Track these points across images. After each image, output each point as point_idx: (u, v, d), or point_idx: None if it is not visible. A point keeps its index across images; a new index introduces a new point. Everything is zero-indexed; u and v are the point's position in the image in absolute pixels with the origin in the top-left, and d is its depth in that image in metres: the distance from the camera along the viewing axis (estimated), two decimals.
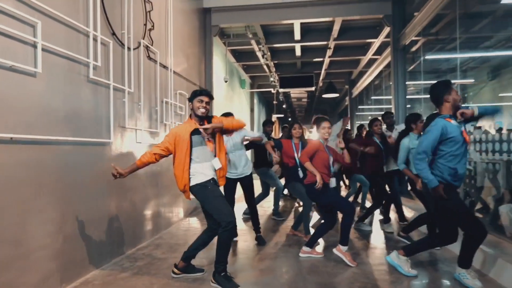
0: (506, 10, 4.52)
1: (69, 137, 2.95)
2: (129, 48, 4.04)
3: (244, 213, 5.77)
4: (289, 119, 23.53)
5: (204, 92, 3.06)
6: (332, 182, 3.56)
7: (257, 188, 4.87)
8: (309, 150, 3.56)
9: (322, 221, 3.75)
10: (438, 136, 2.70)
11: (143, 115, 4.35)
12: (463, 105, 2.99)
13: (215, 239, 2.92)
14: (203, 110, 3.01)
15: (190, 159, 2.96)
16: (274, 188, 5.80)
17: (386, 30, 7.09)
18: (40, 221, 2.65)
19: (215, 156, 3.08)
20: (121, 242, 3.77)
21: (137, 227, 4.14)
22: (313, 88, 11.12)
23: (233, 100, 10.81)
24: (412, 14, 6.17)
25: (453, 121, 2.73)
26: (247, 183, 4.25)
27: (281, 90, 11.88)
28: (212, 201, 2.89)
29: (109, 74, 3.61)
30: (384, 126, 5.24)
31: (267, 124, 5.81)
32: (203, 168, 2.98)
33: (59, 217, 2.85)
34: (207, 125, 2.96)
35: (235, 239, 4.31)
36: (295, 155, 4.35)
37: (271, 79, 11.15)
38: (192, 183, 2.96)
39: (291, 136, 4.51)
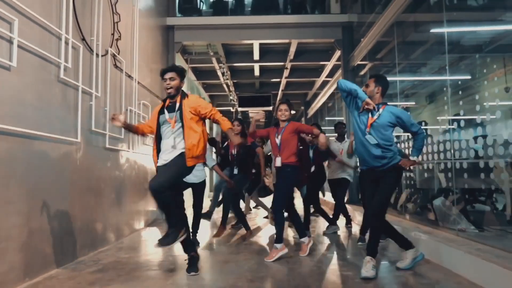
0: (436, 38, 5.24)
1: (38, 132, 3.02)
2: (97, 55, 4.19)
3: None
4: None
5: (166, 69, 3.02)
6: (277, 161, 3.69)
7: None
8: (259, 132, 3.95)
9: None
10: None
11: (108, 120, 4.45)
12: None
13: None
14: (170, 89, 2.97)
15: (158, 137, 3.01)
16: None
17: (337, 53, 7.77)
18: (8, 212, 2.67)
19: (182, 135, 2.93)
20: (84, 243, 3.77)
21: (99, 230, 4.14)
22: (271, 108, 11.61)
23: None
24: (359, 39, 6.88)
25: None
26: (199, 189, 4.28)
27: (240, 109, 12.27)
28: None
29: (78, 76, 3.73)
30: (333, 138, 5.68)
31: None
32: (163, 150, 2.99)
33: (26, 210, 2.88)
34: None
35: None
36: (233, 151, 4.74)
37: (231, 97, 11.52)
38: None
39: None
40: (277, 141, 3.71)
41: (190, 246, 3.12)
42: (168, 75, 2.97)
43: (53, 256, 3.20)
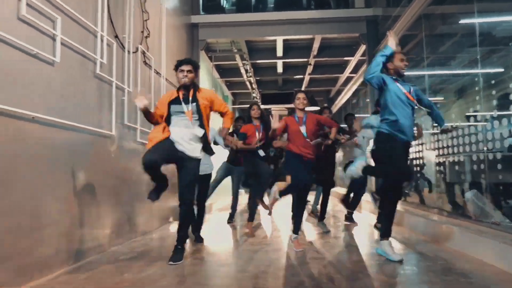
0: (466, 30, 5.12)
1: (78, 124, 3.17)
2: (129, 51, 4.33)
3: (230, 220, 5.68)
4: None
5: (184, 61, 3.14)
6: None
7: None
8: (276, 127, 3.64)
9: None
10: (380, 79, 3.12)
11: (139, 115, 4.59)
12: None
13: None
14: (185, 79, 3.09)
15: (168, 121, 3.10)
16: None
17: (362, 48, 7.70)
18: (54, 198, 2.83)
19: (198, 125, 3.11)
20: (119, 232, 3.91)
21: (132, 220, 4.29)
22: (293, 106, 11.62)
23: (216, 115, 11.14)
24: (384, 33, 6.78)
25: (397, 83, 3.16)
26: (204, 182, 4.24)
27: (262, 106, 12.33)
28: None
29: (112, 72, 3.88)
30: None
31: (238, 120, 5.82)
32: (180, 136, 3.04)
33: (69, 197, 3.04)
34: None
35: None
36: (257, 135, 4.50)
37: (253, 95, 11.59)
38: None
39: (250, 118, 4.64)
40: (303, 130, 3.64)
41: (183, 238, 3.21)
42: (186, 67, 3.12)
43: (91, 242, 3.35)
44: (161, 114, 3.18)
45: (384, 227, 3.23)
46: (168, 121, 3.12)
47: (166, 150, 2.98)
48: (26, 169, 2.56)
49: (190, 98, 3.11)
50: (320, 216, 4.72)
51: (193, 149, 3.09)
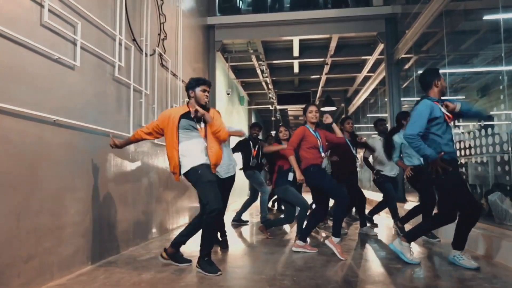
0: (489, 26, 4.96)
1: (97, 126, 3.23)
2: (146, 54, 4.39)
3: (234, 220, 5.71)
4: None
5: (208, 82, 3.09)
6: (324, 163, 3.68)
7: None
8: (292, 141, 3.65)
9: (312, 212, 3.88)
10: (428, 114, 2.92)
11: (156, 117, 4.65)
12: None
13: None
14: (206, 99, 3.05)
15: (178, 140, 2.96)
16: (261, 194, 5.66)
17: (380, 47, 7.56)
18: (74, 199, 2.90)
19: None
20: (136, 233, 3.97)
21: (149, 222, 4.35)
22: None
23: (232, 115, 11.16)
24: (403, 31, 6.65)
25: (439, 104, 3.01)
26: (228, 185, 4.09)
27: (279, 106, 12.29)
28: (201, 184, 2.88)
29: (130, 75, 3.94)
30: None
31: (254, 127, 5.69)
32: (193, 150, 2.95)
33: (89, 198, 3.10)
34: (199, 109, 2.96)
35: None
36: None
37: (270, 95, 11.57)
38: (185, 167, 2.94)
39: (279, 140, 4.50)
40: (319, 142, 3.64)
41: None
42: (208, 88, 3.10)
43: (110, 243, 3.41)
44: (155, 130, 3.10)
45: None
46: (177, 134, 3.01)
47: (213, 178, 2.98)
48: (47, 171, 2.62)
49: (202, 119, 3.04)
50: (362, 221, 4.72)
51: (207, 160, 3.04)
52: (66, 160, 2.83)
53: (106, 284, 2.59)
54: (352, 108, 12.94)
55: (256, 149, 5.52)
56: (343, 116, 5.47)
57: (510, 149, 3.52)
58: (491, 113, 4.76)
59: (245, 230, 5.23)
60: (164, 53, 5.01)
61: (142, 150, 4.23)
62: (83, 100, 3.08)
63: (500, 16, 3.89)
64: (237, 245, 4.13)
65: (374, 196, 6.68)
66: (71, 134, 2.90)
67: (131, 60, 3.96)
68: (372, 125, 5.72)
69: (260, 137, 5.96)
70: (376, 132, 5.39)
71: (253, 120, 14.86)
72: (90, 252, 3.09)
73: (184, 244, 3.11)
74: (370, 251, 3.69)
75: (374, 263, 3.21)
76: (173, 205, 5.16)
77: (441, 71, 5.66)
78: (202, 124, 3.07)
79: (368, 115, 11.71)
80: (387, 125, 5.39)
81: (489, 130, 4.10)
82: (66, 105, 2.84)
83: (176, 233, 4.79)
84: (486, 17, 4.89)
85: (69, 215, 2.83)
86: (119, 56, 3.67)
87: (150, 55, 4.54)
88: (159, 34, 4.92)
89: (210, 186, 2.86)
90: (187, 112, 3.02)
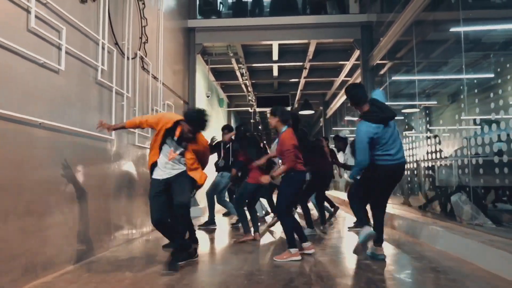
0: (455, 37, 5.29)
1: (80, 129, 3.31)
2: (128, 58, 4.47)
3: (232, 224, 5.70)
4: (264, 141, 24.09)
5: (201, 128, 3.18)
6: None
7: None
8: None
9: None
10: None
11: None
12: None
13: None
14: (190, 135, 3.13)
15: (160, 148, 3.19)
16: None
17: (356, 53, 7.87)
18: (58, 200, 2.97)
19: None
20: (117, 233, 4.05)
21: (130, 222, 4.43)
22: (289, 108, 11.78)
23: (211, 117, 11.27)
24: (378, 39, 6.98)
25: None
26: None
27: (258, 109, 12.47)
28: (150, 198, 3.18)
29: (113, 78, 4.02)
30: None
31: (224, 130, 5.82)
32: (160, 163, 3.19)
33: (73, 199, 3.18)
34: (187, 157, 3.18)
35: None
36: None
37: (249, 98, 11.73)
38: (152, 174, 3.24)
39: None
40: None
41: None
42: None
43: (92, 243, 3.49)
44: (154, 124, 3.21)
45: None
46: (160, 143, 3.20)
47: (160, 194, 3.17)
48: (33, 172, 2.69)
49: (183, 144, 3.18)
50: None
51: (164, 174, 3.20)
52: (51, 161, 2.91)
53: (91, 282, 2.68)
54: (330, 112, 13.28)
55: (225, 150, 5.66)
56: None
57: (469, 153, 3.82)
58: (463, 117, 5.05)
59: (225, 232, 5.37)
60: (146, 56, 5.09)
61: (124, 151, 4.31)
62: (67, 103, 3.15)
63: (461, 29, 4.21)
64: (218, 245, 4.27)
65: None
66: (56, 136, 2.97)
67: (113, 63, 4.04)
68: (352, 128, 6.13)
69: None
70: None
71: (232, 123, 14.99)
72: (74, 252, 3.16)
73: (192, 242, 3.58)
74: (343, 249, 3.92)
75: (345, 260, 3.43)
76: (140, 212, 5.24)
77: (411, 77, 6.02)
78: (178, 150, 3.17)
79: (345, 118, 12.07)
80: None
81: (456, 135, 4.42)
82: (51, 108, 2.92)
83: (156, 233, 4.89)
84: (451, 29, 5.23)
85: (53, 215, 2.90)
86: (102, 60, 3.75)
87: (132, 58, 4.62)
88: (141, 38, 5.00)
89: (152, 201, 3.14)
90: (172, 131, 3.14)
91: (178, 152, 3.16)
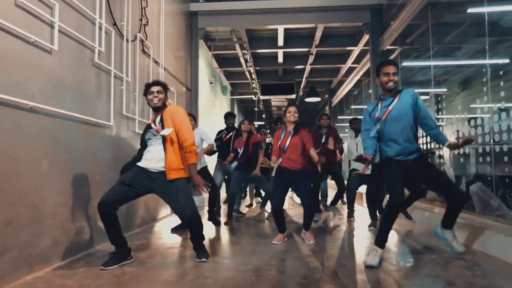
0: (473, 19, 5.00)
1: (76, 114, 3.09)
2: (127, 40, 4.23)
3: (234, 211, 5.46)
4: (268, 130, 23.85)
5: (153, 83, 2.96)
6: (277, 162, 3.68)
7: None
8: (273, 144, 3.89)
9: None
10: (367, 113, 3.01)
11: (137, 105, 4.51)
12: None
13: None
14: (155, 100, 2.88)
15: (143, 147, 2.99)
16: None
17: (365, 38, 7.57)
18: (52, 189, 2.78)
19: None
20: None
21: (131, 213, 4.24)
22: (294, 96, 11.50)
23: (215, 104, 11.01)
24: (389, 22, 6.67)
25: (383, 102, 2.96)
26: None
27: (262, 97, 12.21)
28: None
29: (111, 61, 3.79)
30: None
31: (228, 117, 5.59)
32: (145, 155, 2.92)
33: (68, 189, 2.98)
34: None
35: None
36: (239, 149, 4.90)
37: (253, 85, 11.46)
38: None
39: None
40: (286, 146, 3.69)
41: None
42: (155, 88, 2.91)
43: (90, 235, 3.31)
44: None
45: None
46: (143, 146, 3.01)
47: None
48: (25, 160, 2.50)
49: (159, 117, 2.92)
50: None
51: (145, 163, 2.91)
52: (44, 148, 2.70)
53: (87, 277, 2.50)
54: (336, 100, 13.00)
55: (228, 136, 5.42)
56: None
57: (491, 141, 3.59)
58: (473, 105, 4.81)
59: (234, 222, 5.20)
60: (146, 39, 4.84)
61: (124, 138, 4.11)
62: (61, 86, 2.94)
63: (485, 10, 3.92)
64: (223, 236, 4.10)
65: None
66: (49, 122, 2.77)
67: (111, 45, 3.80)
68: (359, 116, 5.81)
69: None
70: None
71: (236, 111, 14.75)
72: (70, 244, 2.98)
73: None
74: (356, 240, 3.72)
75: (359, 253, 3.23)
76: (154, 197, 5.05)
77: (425, 63, 5.72)
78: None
79: (352, 107, 11.78)
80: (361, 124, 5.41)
81: (472, 122, 4.18)
82: (44, 91, 2.70)
83: (158, 224, 4.74)
84: (470, 10, 4.93)
85: (47, 206, 2.71)
86: (99, 41, 3.52)
87: (131, 41, 4.38)
88: (141, 19, 4.74)
89: (114, 186, 2.83)
90: (148, 125, 3.01)
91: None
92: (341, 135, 7.03)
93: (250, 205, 6.87)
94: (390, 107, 2.91)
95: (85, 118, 3.23)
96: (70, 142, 3.04)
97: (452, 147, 2.84)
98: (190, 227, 2.92)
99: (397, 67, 3.00)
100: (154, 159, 2.85)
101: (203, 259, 2.88)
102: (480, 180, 3.79)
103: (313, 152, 3.55)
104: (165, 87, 2.99)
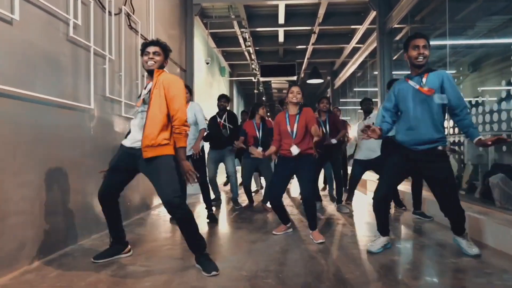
0: None
1: (46, 96, 2.70)
2: (110, 13, 3.79)
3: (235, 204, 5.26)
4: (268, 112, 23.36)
5: (151, 42, 2.56)
6: (293, 149, 3.27)
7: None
8: (274, 130, 3.48)
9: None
10: (392, 92, 2.78)
11: (123, 87, 4.10)
12: None
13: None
14: (150, 63, 2.50)
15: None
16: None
17: (372, 15, 7.09)
18: (18, 183, 2.42)
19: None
20: (100, 219, 3.52)
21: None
22: (295, 78, 11.02)
23: (212, 86, 10.56)
24: None
25: (410, 81, 2.64)
26: (198, 164, 4.04)
27: (262, 79, 11.73)
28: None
29: (90, 36, 3.36)
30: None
31: (222, 99, 5.12)
32: (133, 130, 2.55)
33: (37, 181, 2.62)
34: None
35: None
36: (257, 134, 4.87)
37: (252, 66, 10.96)
38: None
39: (253, 117, 4.99)
40: (288, 130, 3.34)
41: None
42: (152, 49, 2.51)
43: (67, 231, 2.97)
44: None
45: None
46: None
47: None
48: None
49: (151, 84, 2.51)
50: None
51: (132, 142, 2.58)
52: (6, 136, 2.32)
53: (55, 285, 2.17)
54: (338, 82, 12.55)
55: (223, 120, 5.07)
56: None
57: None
58: (483, 88, 4.44)
59: (226, 214, 4.88)
60: (133, 14, 4.39)
61: (107, 123, 3.72)
62: (27, 63, 2.53)
63: None
64: (216, 231, 3.77)
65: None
66: (13, 105, 2.38)
67: (90, 18, 3.37)
68: (359, 100, 5.37)
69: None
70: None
71: (234, 94, 14.29)
72: (41, 245, 2.64)
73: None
74: (361, 239, 3.39)
75: (367, 256, 2.89)
76: (144, 187, 4.72)
77: (440, 42, 5.27)
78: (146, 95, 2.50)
79: (355, 89, 11.34)
80: (372, 106, 4.95)
81: (487, 108, 3.79)
82: (4, 69, 2.30)
83: (148, 218, 4.37)
84: None
85: (11, 202, 2.36)
86: (74, 12, 3.09)
87: (115, 14, 3.94)
88: None
89: (107, 173, 2.60)
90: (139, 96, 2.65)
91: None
92: (343, 118, 6.65)
93: (256, 191, 6.92)
94: (416, 87, 2.59)
95: (58, 101, 2.83)
96: (40, 128, 2.66)
97: (480, 144, 2.48)
98: (176, 221, 2.43)
99: (427, 41, 2.60)
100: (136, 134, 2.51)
101: (214, 273, 2.33)
102: (500, 171, 3.43)
103: (315, 129, 3.15)
104: (165, 49, 2.58)
